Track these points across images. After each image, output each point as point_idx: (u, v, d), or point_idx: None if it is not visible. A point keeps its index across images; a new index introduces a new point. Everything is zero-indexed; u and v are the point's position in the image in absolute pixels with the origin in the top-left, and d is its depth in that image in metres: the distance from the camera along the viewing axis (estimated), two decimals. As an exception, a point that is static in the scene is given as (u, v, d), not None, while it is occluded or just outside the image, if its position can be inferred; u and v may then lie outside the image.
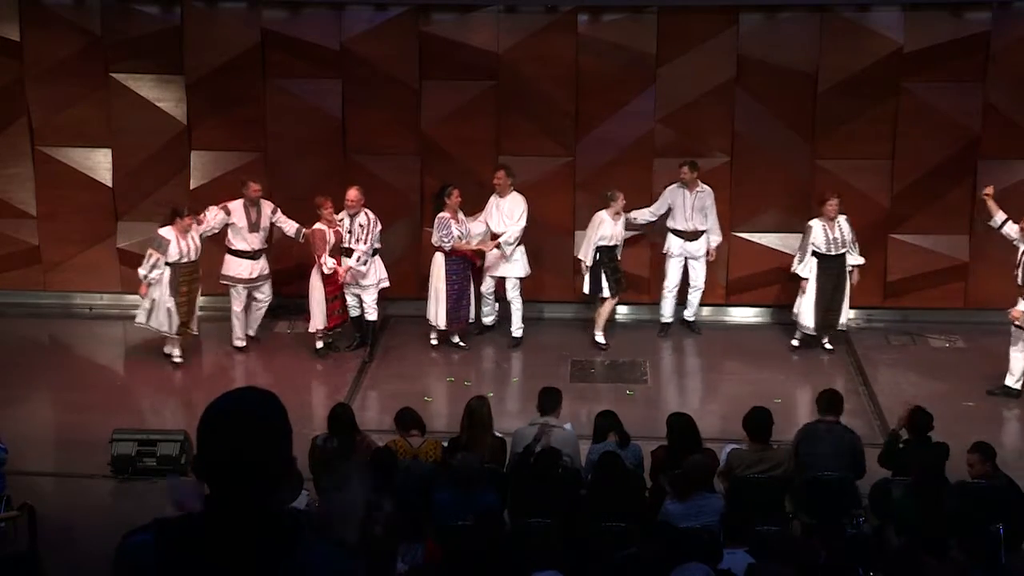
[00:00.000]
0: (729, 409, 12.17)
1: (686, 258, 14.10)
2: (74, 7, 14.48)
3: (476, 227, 13.94)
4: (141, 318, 13.40)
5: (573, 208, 14.59)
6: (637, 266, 14.78)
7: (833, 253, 13.48)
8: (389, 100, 14.44)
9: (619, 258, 13.93)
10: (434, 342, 14.00)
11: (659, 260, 14.64)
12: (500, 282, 14.08)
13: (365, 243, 13.55)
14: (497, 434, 10.15)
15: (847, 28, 14.06)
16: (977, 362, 13.48)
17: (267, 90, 14.53)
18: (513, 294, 14.01)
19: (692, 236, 13.97)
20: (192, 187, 14.82)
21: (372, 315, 13.75)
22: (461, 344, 14.04)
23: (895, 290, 14.27)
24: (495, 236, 13.80)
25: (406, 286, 14.77)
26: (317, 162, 14.63)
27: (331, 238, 13.44)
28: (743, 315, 14.71)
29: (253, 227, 13.77)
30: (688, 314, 14.36)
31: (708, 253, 14.07)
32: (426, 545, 8.30)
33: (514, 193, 13.91)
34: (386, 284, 13.85)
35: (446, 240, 13.66)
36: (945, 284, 13.73)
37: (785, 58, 14.14)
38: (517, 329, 14.07)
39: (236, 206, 13.71)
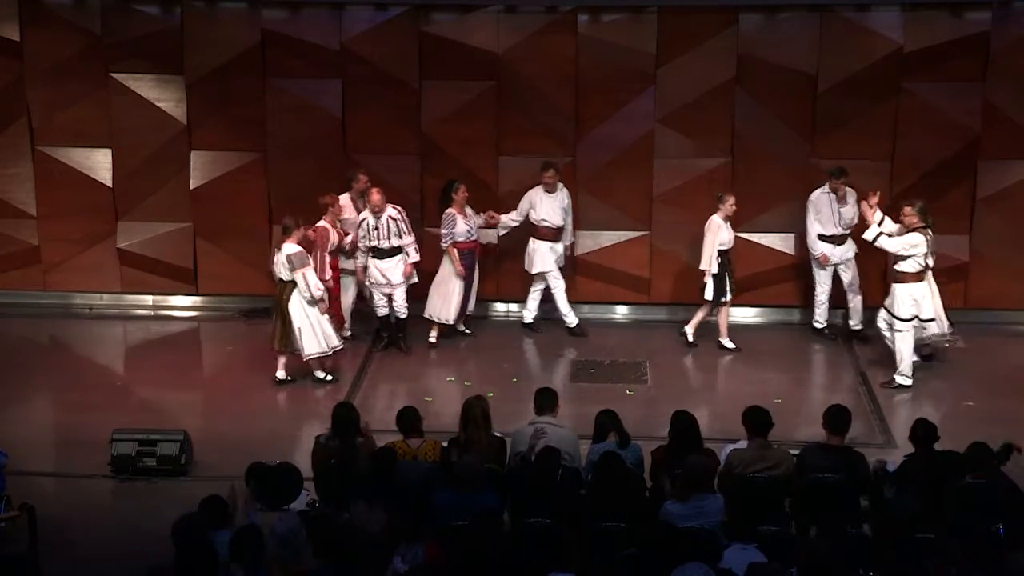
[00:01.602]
0: (729, 409, 12.15)
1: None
2: (74, 7, 14.48)
3: (510, 221, 14.12)
4: (314, 346, 12.89)
5: (573, 208, 14.57)
6: (637, 266, 14.79)
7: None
8: (389, 100, 14.45)
9: (732, 263, 13.84)
10: (433, 340, 14.01)
11: (660, 260, 14.64)
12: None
13: (410, 235, 13.60)
14: (496, 434, 10.14)
15: (847, 28, 14.06)
16: (977, 362, 13.46)
17: (267, 90, 14.53)
18: (561, 282, 14.19)
19: None
20: (192, 187, 14.82)
21: (403, 312, 13.75)
22: (468, 331, 14.14)
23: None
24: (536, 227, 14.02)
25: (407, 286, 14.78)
26: (317, 162, 14.63)
27: (334, 238, 13.43)
28: (743, 315, 14.70)
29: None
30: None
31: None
32: (426, 545, 8.30)
33: (562, 187, 14.09)
34: (415, 280, 13.84)
35: (447, 238, 13.68)
36: (945, 284, 13.69)
37: (785, 58, 14.14)
38: (572, 315, 14.25)
39: (345, 201, 13.83)
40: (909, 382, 12.94)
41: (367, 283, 13.76)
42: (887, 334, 13.03)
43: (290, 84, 14.52)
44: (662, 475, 9.57)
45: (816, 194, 13.91)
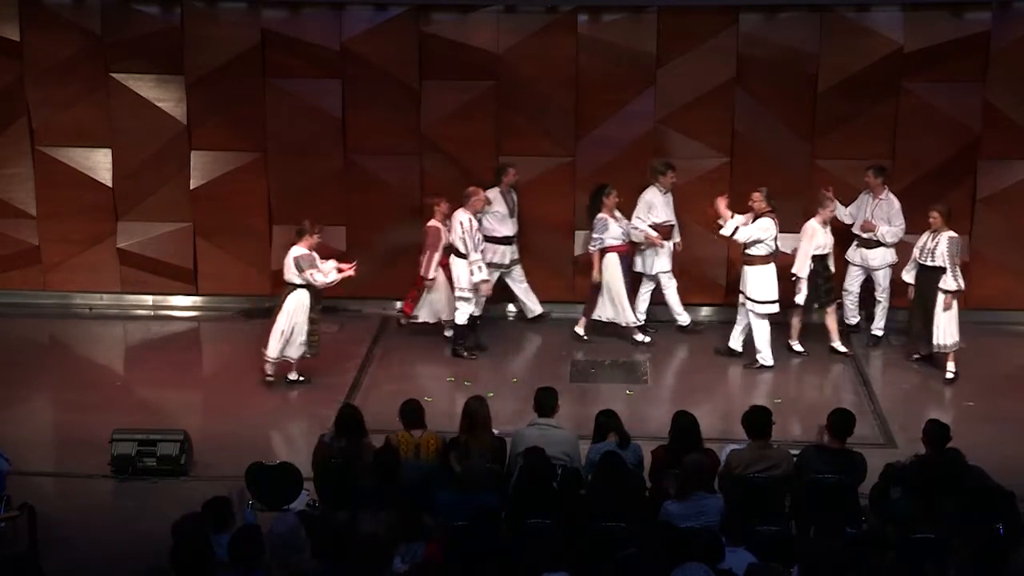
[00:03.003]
0: (729, 409, 12.17)
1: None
2: (74, 7, 14.48)
3: (647, 229, 13.99)
4: (275, 350, 12.91)
5: (573, 208, 14.58)
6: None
7: (926, 263, 13.04)
8: (389, 100, 14.45)
9: (832, 268, 13.69)
10: (582, 335, 14.08)
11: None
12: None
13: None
14: (496, 433, 10.14)
15: (847, 28, 14.07)
16: (977, 362, 13.46)
17: (267, 90, 14.53)
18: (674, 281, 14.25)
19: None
20: (192, 187, 14.82)
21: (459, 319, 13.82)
22: (646, 340, 14.09)
23: (895, 290, 14.24)
24: (657, 228, 13.96)
25: (407, 286, 14.76)
26: (317, 162, 14.63)
27: (443, 237, 13.54)
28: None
29: (512, 212, 14.05)
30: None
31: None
32: (427, 545, 8.30)
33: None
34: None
35: (596, 243, 13.70)
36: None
37: (785, 58, 14.14)
38: (685, 314, 14.30)
39: (494, 194, 13.92)
40: (770, 361, 13.38)
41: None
42: (741, 317, 13.54)
43: (290, 84, 14.52)
44: (663, 475, 9.57)
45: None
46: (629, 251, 14.00)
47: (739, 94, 14.28)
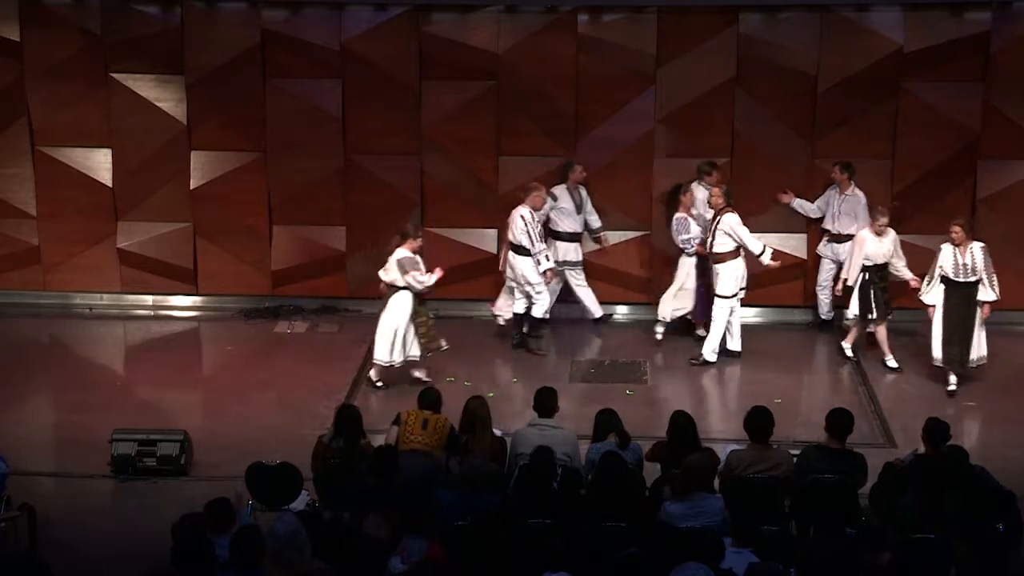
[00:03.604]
0: (729, 409, 12.18)
1: None
2: (74, 7, 14.48)
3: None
4: (384, 355, 12.83)
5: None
6: (637, 266, 14.79)
7: (960, 279, 12.66)
8: (389, 100, 14.44)
9: (888, 279, 13.42)
10: (659, 336, 14.08)
11: (659, 260, 14.63)
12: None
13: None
14: (497, 434, 10.15)
15: (847, 28, 14.07)
16: (977, 362, 13.45)
17: (267, 90, 14.53)
18: None
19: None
20: (192, 187, 14.82)
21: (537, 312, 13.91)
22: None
23: (895, 290, 14.23)
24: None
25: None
26: (317, 162, 14.63)
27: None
28: (743, 315, 14.63)
29: (579, 209, 14.11)
30: None
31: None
32: (429, 545, 8.29)
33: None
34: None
35: (689, 243, 13.61)
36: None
37: (785, 58, 14.14)
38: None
39: (561, 190, 13.98)
40: (713, 358, 13.52)
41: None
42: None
43: (290, 84, 14.51)
44: (662, 472, 9.57)
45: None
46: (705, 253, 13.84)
47: (739, 94, 14.28)
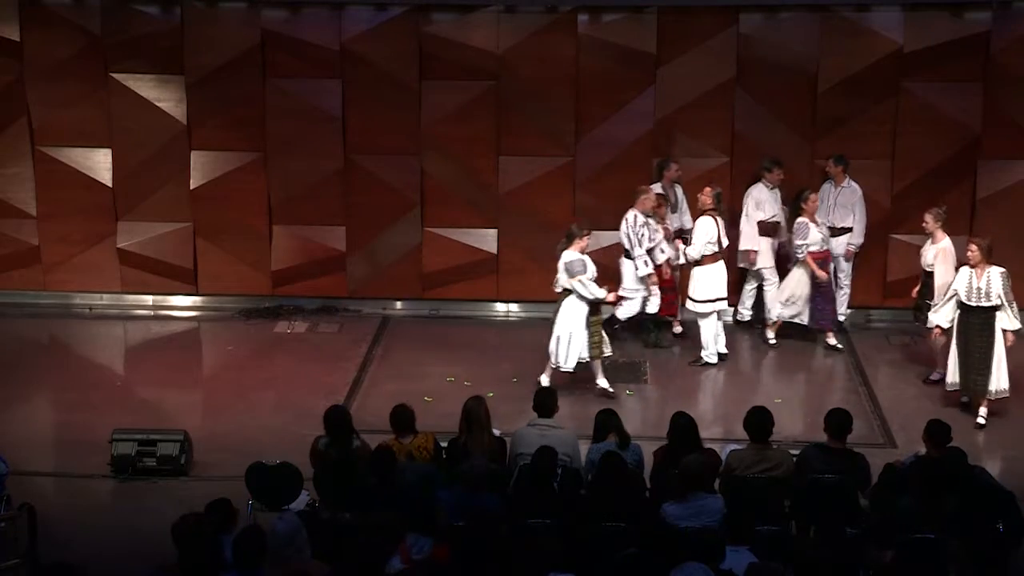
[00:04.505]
0: (729, 409, 12.17)
1: None
2: (74, 7, 14.48)
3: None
4: (562, 360, 12.67)
5: (573, 208, 14.57)
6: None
7: (973, 304, 12.01)
8: (389, 100, 14.44)
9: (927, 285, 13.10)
10: (773, 341, 14.01)
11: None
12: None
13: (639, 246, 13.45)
14: (497, 434, 10.14)
15: (847, 28, 14.07)
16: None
17: (267, 90, 14.53)
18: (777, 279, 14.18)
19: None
20: (192, 187, 14.82)
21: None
22: (839, 346, 13.92)
23: (895, 290, 14.27)
24: (763, 224, 13.91)
25: (407, 286, 14.79)
26: (317, 162, 14.63)
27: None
28: (743, 315, 14.67)
29: (675, 208, 14.08)
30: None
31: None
32: (435, 545, 8.30)
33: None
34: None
35: (802, 248, 13.46)
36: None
37: (785, 58, 14.15)
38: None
39: (656, 189, 13.84)
40: (714, 359, 13.48)
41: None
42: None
43: (290, 84, 14.51)
44: (664, 475, 9.56)
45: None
46: (828, 257, 13.72)
47: (739, 94, 14.28)
